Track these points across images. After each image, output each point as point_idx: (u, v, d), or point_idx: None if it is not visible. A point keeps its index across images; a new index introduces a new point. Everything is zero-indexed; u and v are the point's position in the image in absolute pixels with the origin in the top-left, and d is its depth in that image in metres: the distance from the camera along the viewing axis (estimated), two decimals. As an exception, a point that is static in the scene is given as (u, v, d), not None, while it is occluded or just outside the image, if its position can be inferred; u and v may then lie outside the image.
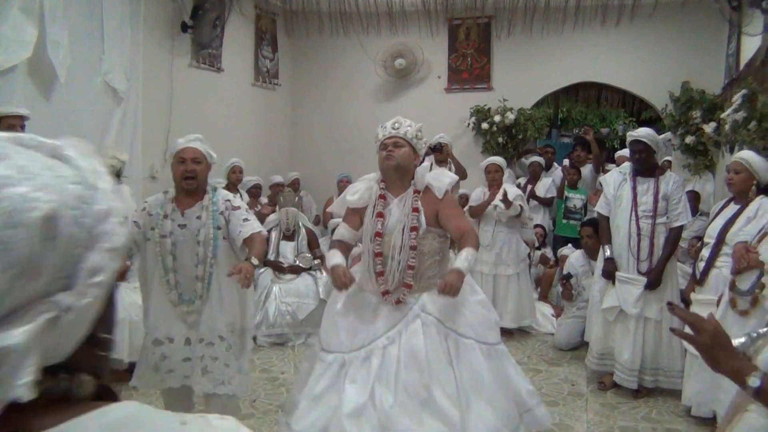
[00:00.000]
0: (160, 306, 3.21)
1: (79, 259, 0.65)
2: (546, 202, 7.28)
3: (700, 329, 1.40)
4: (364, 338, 2.98)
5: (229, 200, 3.25)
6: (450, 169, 6.73)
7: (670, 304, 1.52)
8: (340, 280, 2.94)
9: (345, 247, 3.20)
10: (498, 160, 5.94)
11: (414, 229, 3.00)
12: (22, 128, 3.99)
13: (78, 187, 0.66)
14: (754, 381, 1.33)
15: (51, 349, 0.63)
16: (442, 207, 3.04)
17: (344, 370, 2.95)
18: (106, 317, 0.73)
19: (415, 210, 3.01)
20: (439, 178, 3.12)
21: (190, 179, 3.13)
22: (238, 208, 3.24)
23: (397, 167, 3.05)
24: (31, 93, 4.57)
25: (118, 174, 5.40)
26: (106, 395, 0.74)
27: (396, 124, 3.09)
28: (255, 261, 3.08)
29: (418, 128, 3.11)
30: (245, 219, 3.21)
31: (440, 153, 6.59)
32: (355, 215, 3.20)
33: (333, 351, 3.01)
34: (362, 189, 3.17)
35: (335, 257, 3.07)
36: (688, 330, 1.45)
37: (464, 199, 6.40)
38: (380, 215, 3.07)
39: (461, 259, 2.90)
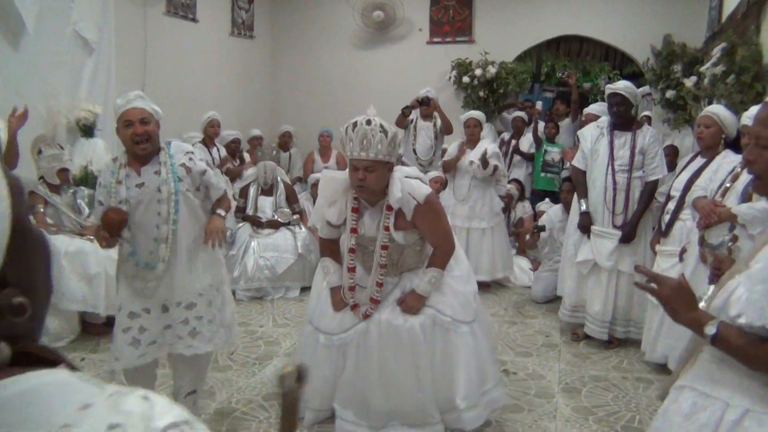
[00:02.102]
0: (128, 274, 3.02)
1: None
2: (529, 157, 7.28)
3: (661, 283, 1.49)
4: (348, 321, 3.08)
5: (190, 152, 3.08)
6: (435, 124, 6.74)
7: (637, 266, 1.61)
8: (337, 304, 3.10)
9: (335, 247, 3.20)
10: (477, 114, 5.90)
11: (384, 248, 2.99)
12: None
13: None
14: (710, 329, 1.40)
15: None
16: (417, 219, 2.94)
17: (338, 350, 3.11)
18: (18, 276, 0.67)
19: (386, 229, 2.96)
20: (408, 204, 2.90)
21: (143, 143, 2.89)
22: (203, 160, 3.17)
23: (371, 194, 2.95)
24: (2, 43, 4.44)
25: (91, 127, 5.32)
26: (36, 360, 0.68)
27: (365, 143, 2.78)
28: (222, 212, 3.02)
29: (390, 139, 2.83)
30: (215, 174, 3.19)
31: (427, 107, 6.58)
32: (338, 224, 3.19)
33: (321, 331, 3.13)
34: (337, 200, 3.02)
35: (329, 273, 3.15)
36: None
37: (444, 153, 6.38)
38: (354, 231, 3.02)
39: (424, 283, 2.98)
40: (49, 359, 0.69)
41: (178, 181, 2.95)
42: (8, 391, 0.61)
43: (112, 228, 2.84)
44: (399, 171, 2.97)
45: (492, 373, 3.24)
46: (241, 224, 5.95)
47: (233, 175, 6.61)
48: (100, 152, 5.28)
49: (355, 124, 2.81)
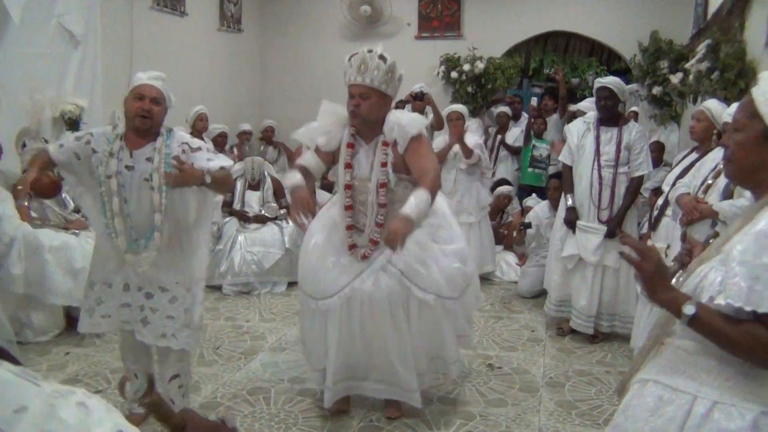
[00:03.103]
0: (102, 250, 3.00)
1: None
2: (515, 151, 7.30)
3: (646, 257, 1.44)
4: (333, 286, 3.01)
5: (186, 143, 2.98)
6: (426, 117, 6.75)
7: (623, 234, 1.58)
8: (301, 206, 2.83)
9: (307, 175, 3.04)
10: (460, 107, 5.92)
11: (383, 185, 2.92)
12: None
13: None
14: (689, 308, 1.36)
15: None
16: (408, 150, 2.90)
17: (322, 317, 3.09)
18: None
19: (383, 165, 2.90)
20: (404, 135, 2.89)
21: (145, 118, 2.86)
22: (199, 149, 3.00)
23: (364, 121, 2.90)
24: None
25: (77, 120, 5.28)
26: None
27: (362, 68, 2.81)
28: (208, 178, 2.85)
29: (388, 68, 2.84)
30: (209, 159, 2.96)
31: (420, 102, 6.61)
32: (327, 152, 3.10)
33: (309, 296, 3.10)
34: (332, 132, 3.01)
35: (294, 177, 2.94)
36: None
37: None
38: (348, 166, 2.96)
39: (410, 204, 2.68)
40: None
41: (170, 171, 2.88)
42: None
43: (45, 192, 2.89)
44: (396, 112, 3.01)
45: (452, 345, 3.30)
46: (228, 219, 5.94)
47: None
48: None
49: (356, 53, 2.84)
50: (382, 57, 2.82)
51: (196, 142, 3.07)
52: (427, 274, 2.98)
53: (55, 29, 5.13)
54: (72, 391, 0.64)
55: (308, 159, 3.08)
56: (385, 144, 2.90)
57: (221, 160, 2.99)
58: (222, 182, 2.93)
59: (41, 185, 2.85)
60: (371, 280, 2.99)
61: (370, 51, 2.82)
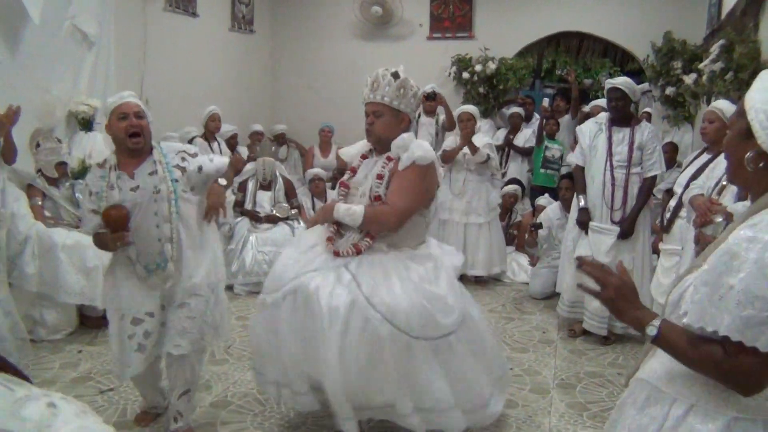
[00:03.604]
0: (129, 282, 2.92)
1: None
2: (525, 152, 7.28)
3: (604, 283, 1.46)
4: (281, 278, 2.81)
5: (183, 150, 3.00)
6: (438, 121, 6.75)
7: (578, 258, 1.55)
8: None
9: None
10: (470, 108, 5.90)
11: (377, 198, 2.83)
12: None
13: None
14: (651, 329, 1.39)
15: None
16: (395, 177, 2.81)
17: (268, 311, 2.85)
18: None
19: (379, 177, 2.84)
20: (412, 152, 2.79)
21: (136, 136, 2.83)
22: (196, 154, 3.02)
23: (379, 140, 2.89)
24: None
25: (90, 121, 5.32)
26: None
27: (374, 85, 2.83)
28: (223, 181, 2.96)
29: (399, 84, 2.81)
30: (211, 160, 3.05)
31: (432, 102, 6.61)
32: None
33: (265, 292, 2.90)
34: (359, 149, 3.11)
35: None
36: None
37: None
38: (352, 170, 3.01)
39: (343, 208, 2.81)
40: None
41: (175, 182, 2.89)
42: None
43: (117, 225, 2.77)
44: (412, 135, 2.92)
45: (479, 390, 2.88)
46: (239, 219, 5.96)
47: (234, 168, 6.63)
48: (99, 146, 5.27)
49: (374, 73, 2.86)
50: (395, 74, 2.82)
51: (191, 148, 3.07)
52: (383, 294, 2.64)
53: (68, 30, 5.17)
54: (49, 394, 0.65)
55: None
56: (389, 158, 2.87)
57: (219, 158, 3.10)
58: (232, 179, 3.13)
59: (118, 219, 2.81)
60: (320, 277, 2.71)
61: (385, 70, 2.84)
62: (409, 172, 2.79)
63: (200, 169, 2.98)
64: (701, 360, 1.33)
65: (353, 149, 3.18)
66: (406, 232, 2.87)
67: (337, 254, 2.79)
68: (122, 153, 2.89)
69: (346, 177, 3.01)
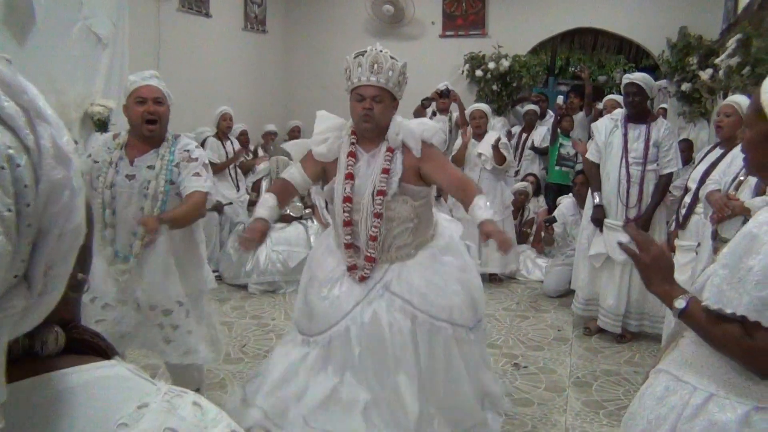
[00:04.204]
0: (98, 264, 2.77)
1: (34, 246, 0.54)
2: (543, 152, 7.23)
3: (644, 248, 1.47)
4: (326, 320, 2.64)
5: (188, 150, 2.83)
6: (451, 119, 6.73)
7: (627, 221, 1.58)
8: (249, 236, 2.58)
9: (286, 192, 2.81)
10: (482, 106, 5.90)
11: (381, 193, 2.58)
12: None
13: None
14: (680, 302, 1.40)
15: (17, 326, 0.56)
16: (425, 162, 2.61)
17: (308, 356, 2.66)
18: (81, 256, 0.63)
19: (385, 171, 2.58)
20: (413, 135, 2.61)
21: (152, 123, 2.71)
22: (195, 160, 2.81)
23: (376, 127, 2.60)
24: (9, 37, 4.45)
25: (105, 122, 5.36)
26: (87, 347, 0.66)
27: (376, 67, 2.52)
28: (163, 217, 2.67)
29: (401, 69, 2.59)
30: (196, 174, 2.78)
31: (446, 99, 6.60)
32: (316, 164, 2.75)
33: (299, 331, 2.76)
34: (331, 139, 2.70)
35: (264, 207, 2.67)
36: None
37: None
38: (349, 176, 2.62)
39: (484, 211, 2.53)
40: (98, 346, 0.68)
41: (170, 183, 2.77)
42: (70, 381, 0.61)
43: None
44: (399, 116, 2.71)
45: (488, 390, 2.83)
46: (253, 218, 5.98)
47: (245, 169, 6.66)
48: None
49: (363, 51, 2.57)
50: (393, 57, 2.60)
51: (196, 152, 2.87)
52: (436, 299, 2.59)
53: (81, 32, 5.20)
54: (185, 391, 0.65)
55: (293, 174, 2.78)
56: (390, 150, 2.61)
57: (201, 182, 2.79)
58: (177, 221, 2.73)
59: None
60: (369, 314, 2.59)
61: (380, 50, 2.58)
62: (434, 154, 2.67)
63: (195, 173, 2.81)
64: (723, 337, 1.34)
65: (300, 144, 2.87)
66: (425, 222, 2.71)
67: (363, 279, 2.63)
68: (134, 136, 2.80)
69: (348, 188, 2.62)
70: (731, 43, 4.92)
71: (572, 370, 4.00)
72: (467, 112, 5.96)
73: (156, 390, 0.64)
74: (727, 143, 3.80)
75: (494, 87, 8.08)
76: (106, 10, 5.43)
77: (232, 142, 6.53)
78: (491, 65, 7.99)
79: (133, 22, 5.85)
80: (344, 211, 2.63)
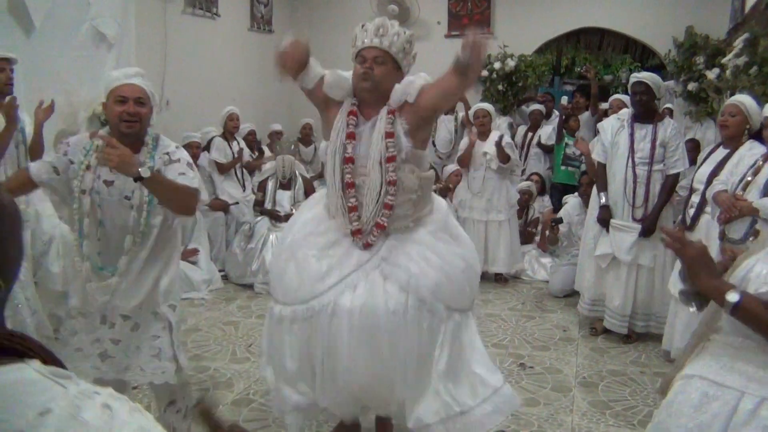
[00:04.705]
0: (73, 273, 2.63)
1: None
2: (549, 150, 7.23)
3: (687, 245, 1.46)
4: (310, 289, 2.46)
5: (168, 153, 2.61)
6: (456, 118, 6.76)
7: (663, 228, 1.55)
8: (291, 49, 2.56)
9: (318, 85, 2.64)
10: (486, 106, 5.90)
11: (391, 159, 2.45)
12: (12, 72, 3.95)
13: None
14: (732, 296, 1.35)
15: None
16: (420, 98, 2.46)
17: (289, 325, 2.50)
18: (2, 262, 0.62)
19: (390, 135, 2.44)
20: (406, 89, 2.48)
21: (131, 122, 2.49)
22: (178, 161, 2.61)
23: (374, 90, 2.48)
24: (17, 38, 4.48)
25: (111, 122, 5.39)
26: (2, 350, 0.64)
27: (380, 30, 2.46)
28: (145, 173, 2.35)
29: (407, 38, 2.50)
30: (181, 173, 2.59)
31: None
32: (321, 90, 2.62)
33: (276, 301, 2.59)
34: (344, 80, 2.57)
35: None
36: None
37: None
38: (351, 136, 2.50)
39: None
40: (17, 349, 0.65)
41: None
42: None
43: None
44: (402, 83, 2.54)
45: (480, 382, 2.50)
46: (259, 218, 6.00)
47: (251, 168, 6.68)
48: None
49: (370, 21, 2.51)
50: (401, 26, 2.52)
51: (178, 154, 2.66)
52: (432, 278, 2.44)
53: (87, 32, 5.22)
54: (98, 392, 0.63)
55: (316, 71, 2.65)
56: (392, 113, 2.47)
57: (190, 179, 2.60)
58: (161, 185, 2.46)
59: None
60: (363, 288, 2.43)
61: (389, 19, 2.52)
62: (425, 85, 2.47)
63: (182, 174, 2.59)
64: None
65: (340, 82, 2.60)
66: (426, 196, 2.60)
67: (368, 245, 2.49)
68: (114, 136, 2.51)
69: (349, 149, 2.50)
70: (738, 42, 4.91)
71: (578, 370, 3.99)
72: (471, 112, 5.97)
73: (63, 393, 0.61)
74: (731, 142, 3.80)
75: (500, 87, 8.07)
76: (112, 11, 5.45)
77: (238, 143, 6.54)
78: (497, 65, 7.99)
79: (140, 22, 5.87)
80: (346, 173, 2.50)
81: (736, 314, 1.36)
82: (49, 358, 0.67)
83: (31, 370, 0.63)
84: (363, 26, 2.52)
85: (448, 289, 2.47)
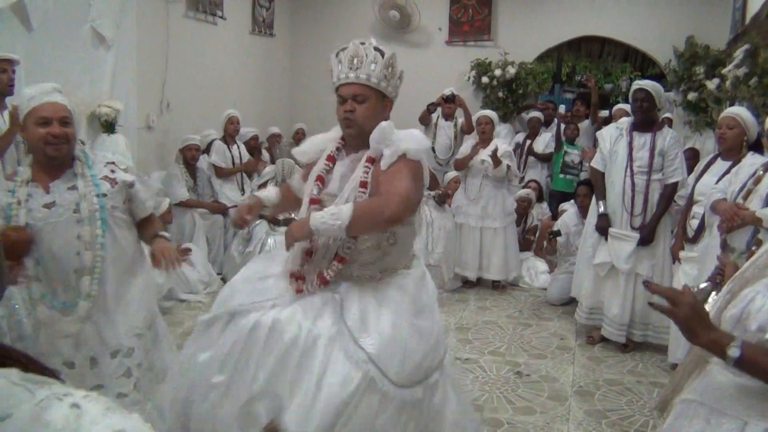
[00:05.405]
0: (43, 326, 2.42)
1: None
2: (544, 158, 7.23)
3: (678, 302, 1.39)
4: (244, 300, 2.21)
5: (112, 162, 2.50)
6: (456, 124, 6.76)
7: (645, 282, 1.48)
8: (238, 214, 2.34)
9: (289, 194, 2.52)
10: (489, 113, 5.91)
11: None
12: (13, 73, 3.96)
13: None
14: (734, 351, 1.31)
15: None
16: (383, 176, 2.16)
17: (207, 330, 2.24)
18: None
19: (363, 185, 2.18)
20: (397, 145, 2.18)
21: (58, 145, 2.32)
22: (132, 183, 2.51)
23: (360, 132, 2.24)
24: (17, 39, 4.47)
25: (113, 123, 5.38)
26: None
27: (355, 62, 2.20)
28: (167, 234, 2.44)
29: (386, 62, 2.22)
30: (143, 200, 2.55)
31: (451, 105, 6.62)
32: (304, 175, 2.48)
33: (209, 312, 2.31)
34: (316, 142, 2.45)
35: (265, 191, 2.46)
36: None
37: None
38: (319, 179, 2.29)
39: (321, 212, 2.07)
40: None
41: (102, 197, 2.41)
42: None
43: (14, 252, 2.24)
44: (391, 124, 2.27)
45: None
46: (257, 221, 5.98)
47: (249, 171, 6.66)
48: (121, 148, 5.33)
49: (344, 48, 2.26)
50: (378, 50, 2.24)
51: (123, 163, 2.55)
52: (396, 350, 2.08)
53: (87, 33, 5.21)
54: (71, 393, 0.62)
55: (294, 181, 2.55)
56: (370, 160, 2.22)
57: (151, 203, 2.55)
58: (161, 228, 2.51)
59: (17, 245, 2.26)
60: (293, 311, 2.13)
61: (362, 43, 2.25)
62: (403, 166, 2.15)
63: (132, 184, 2.51)
64: None
65: (311, 145, 2.47)
66: (401, 245, 2.27)
67: (300, 292, 2.18)
68: (38, 163, 2.40)
69: (315, 190, 2.28)
70: (738, 53, 4.92)
71: (575, 379, 3.99)
72: (474, 118, 5.97)
73: (29, 398, 0.60)
74: (730, 154, 3.81)
75: (500, 94, 8.08)
76: (113, 12, 5.45)
77: (238, 146, 6.54)
78: (497, 72, 8.00)
79: (142, 24, 5.88)
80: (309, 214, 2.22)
81: (738, 368, 1.34)
82: (32, 365, 0.65)
83: (1, 376, 0.62)
84: (337, 56, 2.29)
85: (408, 366, 2.09)
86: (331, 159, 2.34)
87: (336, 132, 2.42)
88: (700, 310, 1.39)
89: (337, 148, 2.36)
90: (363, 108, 2.22)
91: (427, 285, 2.36)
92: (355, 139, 2.28)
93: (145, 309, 2.57)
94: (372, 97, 2.23)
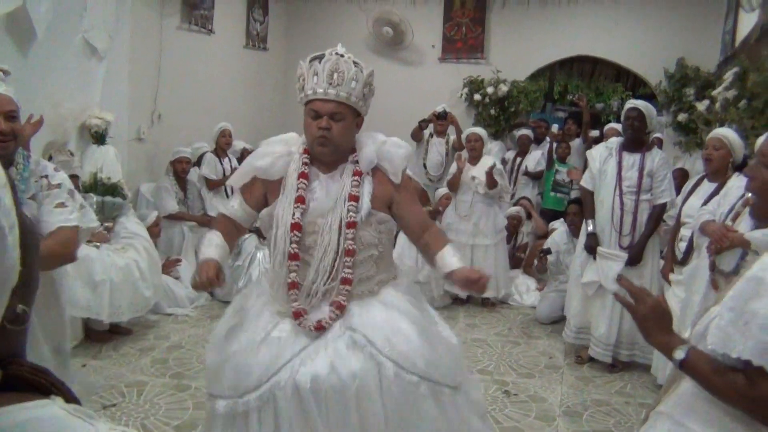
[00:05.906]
0: None
1: None
2: (535, 176, 7.26)
3: (640, 300, 1.47)
4: (263, 371, 2.03)
5: (46, 176, 2.24)
6: (448, 141, 6.78)
7: (619, 276, 1.56)
8: (202, 276, 2.05)
9: (232, 228, 2.30)
10: (478, 130, 5.93)
11: (351, 225, 2.10)
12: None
13: None
14: (679, 354, 1.39)
15: None
16: (399, 194, 2.21)
17: (240, 423, 2.05)
18: (24, 286, 0.62)
19: (353, 198, 2.11)
20: (391, 157, 2.21)
21: (4, 142, 2.08)
22: (57, 186, 2.24)
23: (335, 151, 2.16)
24: (8, 48, 4.45)
25: (103, 135, 5.36)
26: (27, 384, 0.63)
27: (335, 78, 2.08)
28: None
29: (366, 79, 2.14)
30: (59, 204, 2.21)
31: (443, 122, 6.64)
32: (256, 188, 2.26)
33: (220, 396, 2.09)
34: (277, 154, 2.23)
35: (210, 247, 2.18)
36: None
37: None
38: (300, 200, 2.12)
39: (454, 258, 2.15)
40: (41, 384, 0.64)
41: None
42: None
43: None
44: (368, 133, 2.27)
45: None
46: (247, 236, 5.95)
47: (214, 186, 6.42)
48: (111, 159, 5.31)
49: (321, 56, 2.11)
50: (357, 64, 2.13)
51: (57, 177, 2.29)
52: (407, 347, 2.06)
53: (79, 44, 5.20)
54: (115, 428, 0.63)
55: (233, 207, 2.30)
56: (357, 174, 2.16)
57: (66, 215, 2.22)
58: (53, 255, 2.12)
59: None
60: (325, 358, 2.02)
61: (341, 55, 2.12)
62: (408, 184, 2.26)
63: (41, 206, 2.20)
64: (725, 388, 1.33)
65: (271, 164, 2.23)
66: (387, 254, 2.27)
67: (320, 328, 2.07)
68: None
69: (296, 215, 2.11)
70: (728, 75, 4.97)
71: (563, 399, 3.97)
72: (463, 135, 5.99)
73: (91, 430, 0.61)
74: (716, 176, 3.83)
75: (492, 111, 8.12)
76: (106, 24, 5.44)
77: (230, 159, 6.52)
78: (490, 90, 8.04)
79: (134, 36, 5.88)
80: (291, 242, 2.10)
81: (683, 371, 1.40)
82: (70, 397, 0.65)
83: (57, 406, 0.62)
84: (311, 65, 2.12)
85: (429, 355, 2.09)
86: (305, 176, 2.17)
87: (290, 145, 2.26)
88: (661, 313, 1.46)
89: (305, 164, 2.19)
90: (340, 126, 2.12)
91: (418, 291, 2.39)
92: (328, 157, 2.18)
93: (55, 336, 2.36)
94: (349, 116, 2.14)
